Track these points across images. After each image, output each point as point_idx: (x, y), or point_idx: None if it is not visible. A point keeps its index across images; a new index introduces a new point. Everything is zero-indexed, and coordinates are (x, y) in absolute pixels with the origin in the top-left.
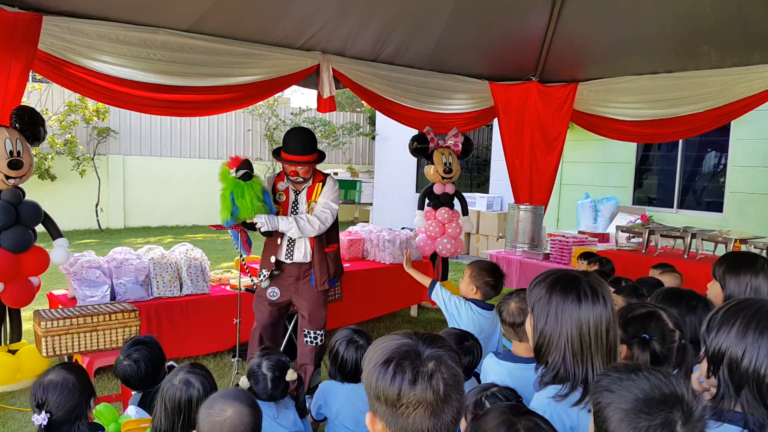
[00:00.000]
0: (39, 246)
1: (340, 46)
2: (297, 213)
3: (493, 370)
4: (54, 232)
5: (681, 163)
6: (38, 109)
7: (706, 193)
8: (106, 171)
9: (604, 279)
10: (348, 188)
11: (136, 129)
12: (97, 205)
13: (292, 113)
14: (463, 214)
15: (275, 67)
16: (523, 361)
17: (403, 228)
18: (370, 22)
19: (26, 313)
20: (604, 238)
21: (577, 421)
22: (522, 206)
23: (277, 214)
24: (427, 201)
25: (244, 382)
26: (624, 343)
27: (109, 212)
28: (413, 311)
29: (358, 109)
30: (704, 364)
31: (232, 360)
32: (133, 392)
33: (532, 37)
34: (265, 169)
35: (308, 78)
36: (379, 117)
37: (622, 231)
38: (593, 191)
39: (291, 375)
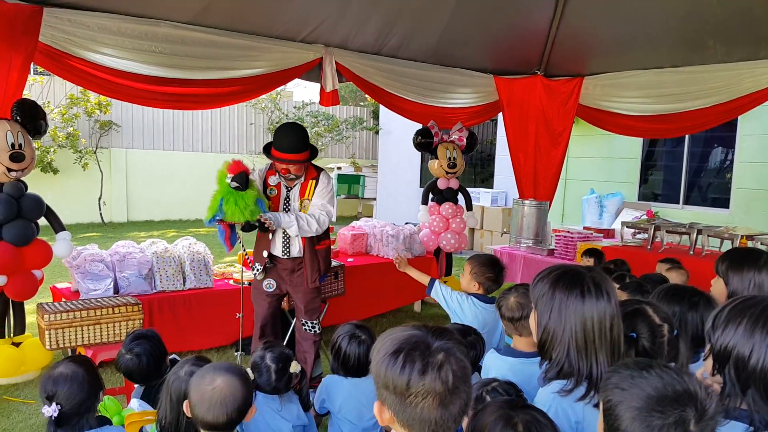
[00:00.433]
0: (42, 239)
1: (343, 39)
2: (289, 210)
3: (494, 365)
4: (56, 225)
5: (687, 159)
6: (40, 102)
7: (713, 189)
8: (109, 164)
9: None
10: (351, 183)
11: (139, 122)
12: (99, 199)
13: (295, 107)
14: (467, 210)
15: (277, 60)
16: (524, 355)
17: (406, 223)
18: (372, 14)
19: (30, 306)
20: (609, 233)
21: (582, 415)
22: (527, 201)
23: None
24: (431, 196)
25: (249, 374)
26: None
27: (112, 206)
28: (416, 307)
29: (362, 103)
30: (709, 362)
31: (236, 354)
32: (135, 385)
33: (537, 31)
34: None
35: (311, 71)
36: (383, 111)
37: (627, 227)
38: (598, 186)
39: (295, 367)
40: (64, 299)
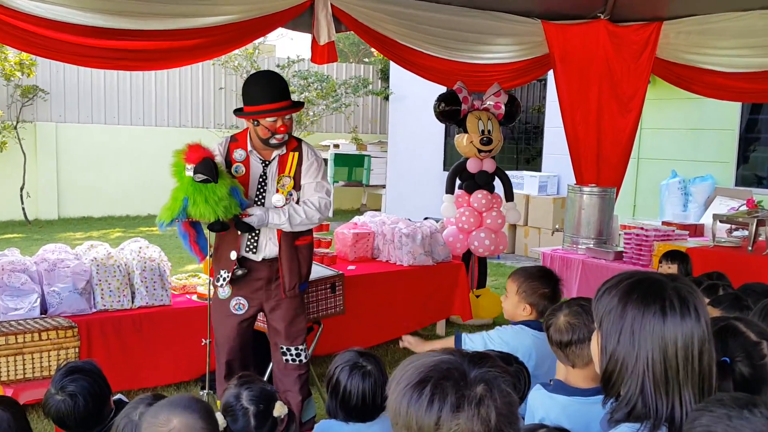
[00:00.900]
0: None
1: None
2: (265, 192)
3: (542, 405)
4: None
5: None
6: None
7: None
8: (34, 143)
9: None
10: (353, 165)
11: (73, 88)
12: (22, 189)
13: (278, 65)
14: (507, 200)
15: (256, 3)
16: (581, 393)
17: (426, 218)
18: None
19: None
20: (696, 230)
21: None
22: (586, 188)
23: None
24: (458, 182)
25: (219, 419)
26: None
27: (38, 198)
28: (440, 329)
29: (366, 60)
30: None
31: (201, 393)
32: None
33: None
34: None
35: (299, 18)
36: (394, 70)
37: (721, 221)
38: (682, 168)
39: (280, 409)
40: None
